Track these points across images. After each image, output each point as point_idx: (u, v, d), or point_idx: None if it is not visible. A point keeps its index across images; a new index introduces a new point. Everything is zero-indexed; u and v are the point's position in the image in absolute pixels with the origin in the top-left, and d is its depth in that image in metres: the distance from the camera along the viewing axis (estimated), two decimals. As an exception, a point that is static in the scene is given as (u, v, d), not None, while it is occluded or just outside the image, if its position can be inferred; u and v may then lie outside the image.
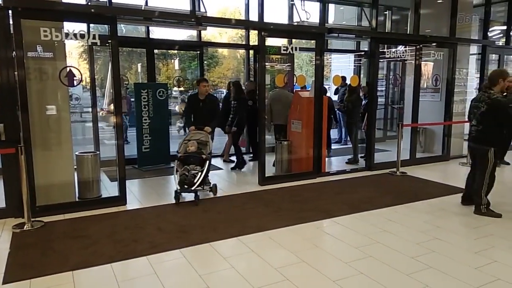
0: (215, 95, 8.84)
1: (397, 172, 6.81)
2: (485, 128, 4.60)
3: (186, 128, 6.30)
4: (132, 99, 8.17)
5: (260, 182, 6.06)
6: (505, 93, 4.63)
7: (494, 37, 9.87)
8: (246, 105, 7.14)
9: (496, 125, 4.55)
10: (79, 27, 4.72)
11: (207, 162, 5.29)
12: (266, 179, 6.10)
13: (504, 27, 9.82)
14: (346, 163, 7.60)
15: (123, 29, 11.82)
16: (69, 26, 4.63)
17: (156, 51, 8.85)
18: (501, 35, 10.12)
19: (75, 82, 4.81)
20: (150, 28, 8.33)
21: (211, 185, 5.49)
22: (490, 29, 9.42)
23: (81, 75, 4.84)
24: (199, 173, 5.09)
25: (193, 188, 4.99)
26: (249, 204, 5.10)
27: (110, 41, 4.86)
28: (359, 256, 3.57)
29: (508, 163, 7.47)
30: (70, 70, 4.70)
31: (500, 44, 9.84)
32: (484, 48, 8.66)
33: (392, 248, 3.73)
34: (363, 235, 4.07)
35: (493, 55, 9.51)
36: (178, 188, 5.02)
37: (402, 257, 3.54)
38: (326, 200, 5.28)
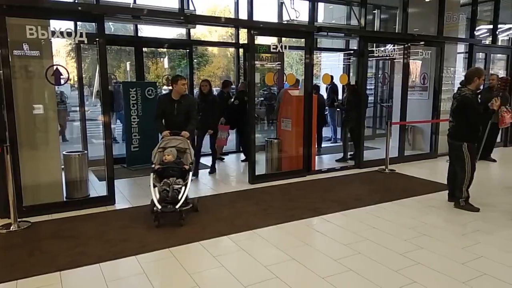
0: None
1: (386, 169, 6.87)
2: (457, 124, 4.79)
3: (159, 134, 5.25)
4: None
5: (250, 180, 6.06)
6: (478, 90, 4.75)
7: (480, 36, 10.01)
8: (213, 105, 6.58)
9: (467, 121, 4.70)
10: (66, 25, 4.67)
11: (190, 173, 4.53)
12: (256, 177, 6.11)
13: (490, 26, 9.97)
14: (336, 161, 7.64)
15: (112, 27, 11.70)
16: (56, 24, 4.58)
17: (145, 49, 8.79)
18: (488, 34, 10.26)
19: (62, 81, 4.75)
20: (139, 26, 8.26)
21: (193, 199, 4.68)
22: (476, 28, 9.55)
23: (68, 74, 4.78)
24: (183, 188, 4.27)
25: (178, 206, 4.13)
26: (239, 203, 5.10)
27: (97, 39, 4.80)
28: (348, 253, 3.60)
29: (494, 160, 7.59)
30: (57, 68, 4.64)
31: (487, 43, 9.98)
32: (471, 47, 8.78)
33: (380, 245, 3.77)
34: (352, 232, 4.11)
35: (480, 53, 9.65)
36: (159, 207, 4.09)
37: (391, 254, 3.58)
38: (316, 198, 5.31)
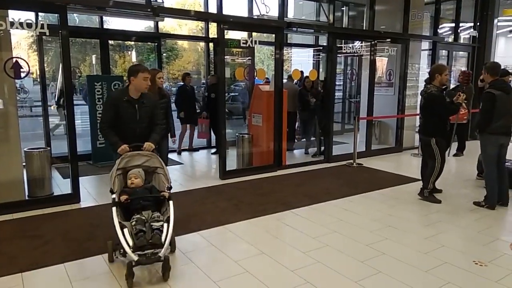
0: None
1: (354, 163, 7.04)
2: (426, 120, 5.01)
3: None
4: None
5: (221, 176, 6.04)
6: (444, 86, 4.95)
7: (443, 34, 10.37)
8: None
9: (434, 117, 4.89)
10: (27, 16, 4.45)
11: (171, 202, 3.30)
12: (227, 173, 6.09)
13: (453, 25, 10.36)
14: (312, 156, 7.75)
15: (77, 19, 11.28)
16: (15, 15, 4.36)
17: (111, 42, 8.54)
18: (450, 32, 10.65)
19: (22, 74, 4.54)
20: (106, 18, 8.00)
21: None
22: (440, 26, 9.89)
23: (29, 67, 4.57)
24: (165, 225, 3.10)
25: (162, 253, 2.90)
26: (209, 199, 5.08)
27: (60, 31, 4.61)
28: (317, 245, 3.66)
29: (461, 154, 7.90)
30: (16, 61, 4.43)
31: (450, 40, 10.37)
32: (435, 44, 9.09)
33: (347, 237, 3.86)
34: (321, 225, 4.18)
35: (443, 51, 10.03)
36: (134, 259, 2.82)
37: (357, 245, 3.67)
38: (286, 192, 5.36)
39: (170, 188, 3.41)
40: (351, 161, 7.10)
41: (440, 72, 4.85)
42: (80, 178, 5.04)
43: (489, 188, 4.71)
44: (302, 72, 8.81)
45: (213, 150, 8.07)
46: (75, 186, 4.83)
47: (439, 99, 4.83)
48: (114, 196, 3.19)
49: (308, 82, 7.49)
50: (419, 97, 6.03)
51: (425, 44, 9.25)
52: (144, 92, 3.68)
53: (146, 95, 3.73)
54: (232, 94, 11.54)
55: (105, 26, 7.82)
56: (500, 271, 3.17)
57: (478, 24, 10.52)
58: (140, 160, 3.51)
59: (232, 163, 6.52)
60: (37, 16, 5.93)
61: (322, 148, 7.68)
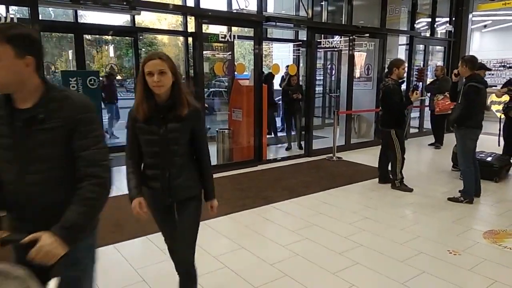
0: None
1: (334, 157, 7.10)
2: (384, 112, 5.20)
3: None
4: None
5: (201, 171, 5.99)
6: (401, 80, 5.11)
7: (420, 29, 10.54)
8: None
9: (391, 110, 5.08)
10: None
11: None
12: (207, 168, 6.04)
13: (429, 19, 10.53)
14: (286, 149, 7.80)
15: (52, 13, 10.95)
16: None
17: (88, 37, 8.34)
18: (427, 27, 10.83)
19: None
20: (82, 12, 7.80)
21: None
22: (417, 21, 10.04)
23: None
24: None
25: None
26: (189, 194, 5.03)
27: (31, 25, 4.47)
28: (296, 238, 3.68)
29: (439, 147, 8.06)
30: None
31: (427, 35, 10.54)
32: (412, 39, 9.23)
33: (326, 229, 3.89)
34: (300, 218, 4.21)
35: (420, 45, 10.19)
36: None
37: (336, 237, 3.71)
38: (267, 187, 5.37)
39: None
40: (331, 155, 7.16)
41: (398, 66, 5.05)
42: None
43: (468, 183, 4.68)
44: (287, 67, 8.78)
45: None
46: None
47: (393, 92, 5.00)
48: None
49: (294, 80, 7.54)
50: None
51: (403, 39, 9.39)
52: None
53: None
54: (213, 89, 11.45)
55: (81, 21, 7.62)
56: (473, 260, 3.26)
57: (453, 19, 10.73)
58: None
59: (212, 159, 6.46)
60: (7, 9, 5.73)
61: (302, 142, 7.73)
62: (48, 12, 10.16)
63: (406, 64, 5.45)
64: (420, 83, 9.26)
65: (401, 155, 5.13)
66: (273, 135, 8.53)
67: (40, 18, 4.64)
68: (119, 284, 2.88)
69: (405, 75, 5.19)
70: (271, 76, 8.23)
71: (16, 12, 5.76)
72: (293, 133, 8.10)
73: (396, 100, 5.01)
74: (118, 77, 8.62)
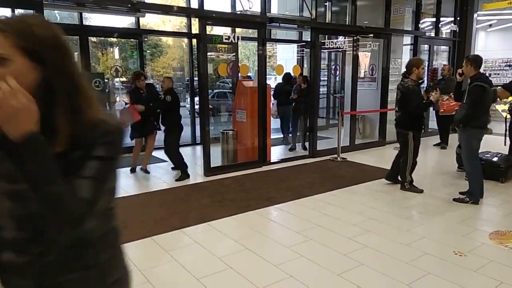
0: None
1: (338, 158, 7.08)
2: (403, 114, 5.02)
3: None
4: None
5: (206, 172, 6.01)
6: (421, 80, 5.02)
7: (425, 29, 10.49)
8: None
9: (410, 111, 4.95)
10: (2, 12, 4.33)
11: None
12: (212, 169, 6.06)
13: (434, 19, 10.49)
14: (289, 150, 7.84)
15: (58, 16, 11.04)
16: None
17: (93, 39, 8.39)
18: (431, 26, 10.78)
19: None
20: (87, 14, 7.85)
21: None
22: (421, 21, 10.00)
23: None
24: None
25: None
26: (193, 196, 5.05)
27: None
28: (300, 240, 3.67)
29: (444, 147, 8.02)
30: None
31: (431, 35, 10.50)
32: (416, 39, 9.20)
33: (330, 230, 3.88)
34: (305, 219, 4.20)
35: (425, 45, 10.15)
36: None
37: (340, 238, 3.70)
38: (270, 188, 5.36)
39: None
40: (335, 155, 7.15)
41: (418, 65, 4.90)
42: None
43: (474, 184, 4.64)
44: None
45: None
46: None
47: (414, 94, 4.87)
48: None
49: (300, 80, 7.58)
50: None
51: (407, 39, 9.35)
52: None
53: None
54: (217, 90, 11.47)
55: (86, 23, 7.67)
56: (479, 261, 3.24)
57: (458, 18, 10.67)
58: None
59: (216, 160, 6.49)
60: (13, 12, 5.78)
61: (307, 143, 7.73)
62: (53, 15, 10.24)
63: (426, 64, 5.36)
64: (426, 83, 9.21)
65: (412, 158, 5.04)
66: (284, 135, 8.49)
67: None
68: (124, 285, 2.88)
69: (424, 75, 5.07)
70: (289, 75, 8.12)
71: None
72: (298, 134, 8.10)
73: (415, 102, 4.86)
74: (123, 79, 8.65)
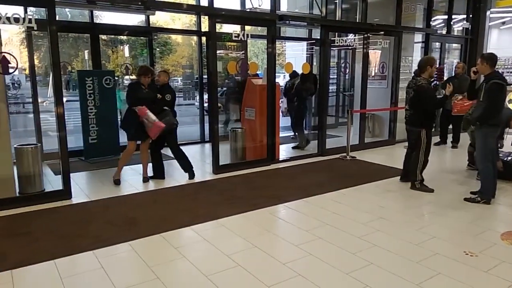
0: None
1: (347, 156, 7.04)
2: (416, 112, 5.02)
3: None
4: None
5: (214, 170, 6.02)
6: (432, 79, 4.99)
7: (436, 26, 10.36)
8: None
9: (424, 109, 4.96)
10: (14, 10, 4.38)
11: None
12: (220, 167, 6.07)
13: (446, 17, 10.35)
14: (293, 147, 7.84)
15: (69, 14, 11.15)
16: (3, 9, 4.29)
17: (103, 37, 8.45)
18: (443, 24, 10.64)
19: (10, 70, 4.48)
20: (98, 12, 7.91)
21: None
22: (433, 18, 9.88)
23: (17, 62, 4.51)
24: None
25: None
26: (202, 193, 5.06)
27: (48, 26, 4.54)
28: (309, 238, 3.66)
29: (457, 146, 7.92)
30: (3, 56, 4.37)
31: (443, 32, 10.36)
32: (428, 37, 9.09)
33: (340, 229, 3.86)
34: (313, 218, 4.18)
35: (436, 43, 10.03)
36: None
37: (349, 237, 3.68)
38: (279, 186, 5.36)
39: None
40: (345, 154, 7.11)
41: (431, 64, 4.91)
42: (72, 174, 5.02)
43: (486, 183, 4.58)
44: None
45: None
46: (66, 182, 4.79)
47: (429, 91, 4.88)
48: None
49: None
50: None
51: (418, 37, 9.24)
52: None
53: None
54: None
55: (96, 21, 7.72)
56: (491, 261, 3.19)
57: (470, 16, 10.52)
58: None
59: (225, 158, 6.49)
60: (26, 10, 5.85)
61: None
62: (64, 13, 10.34)
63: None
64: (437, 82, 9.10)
65: (424, 156, 5.02)
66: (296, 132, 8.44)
67: (57, 18, 4.70)
68: (133, 281, 2.91)
69: (434, 74, 5.09)
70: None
71: (34, 13, 5.88)
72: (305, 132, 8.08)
73: (432, 100, 4.92)
74: (133, 77, 8.69)
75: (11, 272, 3.05)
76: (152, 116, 5.16)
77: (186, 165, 5.78)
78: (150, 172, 5.73)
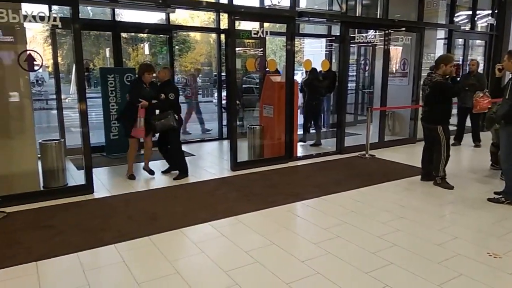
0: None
1: (366, 154, 6.96)
2: (432, 109, 5.03)
3: None
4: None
5: (232, 167, 6.05)
6: (447, 76, 4.93)
7: (460, 22, 10.10)
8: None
9: (441, 105, 4.97)
10: (40, 8, 4.50)
11: None
12: (238, 164, 6.10)
13: (470, 12, 10.08)
14: (311, 145, 7.80)
15: (90, 12, 11.37)
16: (29, 8, 4.41)
17: (124, 35, 8.59)
18: (467, 20, 10.36)
19: (35, 67, 4.61)
20: (119, 10, 8.04)
21: None
22: (456, 14, 9.63)
23: (42, 60, 4.63)
24: None
25: None
26: (220, 190, 5.10)
27: (72, 24, 4.65)
28: (328, 236, 3.64)
29: (479, 145, 7.73)
30: (29, 54, 4.49)
31: (466, 29, 10.10)
32: (451, 33, 8.87)
33: (359, 228, 3.83)
34: (332, 216, 4.16)
35: (459, 39, 9.78)
36: None
37: (369, 236, 3.64)
38: (297, 184, 5.34)
39: None
40: (364, 152, 7.03)
41: (446, 62, 4.90)
42: (94, 170, 5.13)
43: (511, 183, 4.46)
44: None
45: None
46: (89, 177, 4.90)
47: (445, 85, 4.90)
48: None
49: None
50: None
51: (441, 33, 9.03)
52: None
53: None
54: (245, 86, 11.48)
55: (117, 19, 7.85)
56: (515, 264, 3.11)
57: (496, 11, 10.21)
58: None
59: (243, 155, 6.51)
60: (50, 9, 5.99)
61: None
62: (86, 11, 10.55)
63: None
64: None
65: (446, 151, 5.02)
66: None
67: (79, 17, 4.81)
68: (154, 275, 2.96)
69: (451, 73, 5.02)
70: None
71: (57, 11, 6.02)
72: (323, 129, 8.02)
73: (450, 89, 4.93)
74: (154, 74, 8.80)
75: (36, 263, 3.14)
76: (142, 123, 5.29)
77: (181, 166, 5.69)
78: (161, 168, 5.86)
